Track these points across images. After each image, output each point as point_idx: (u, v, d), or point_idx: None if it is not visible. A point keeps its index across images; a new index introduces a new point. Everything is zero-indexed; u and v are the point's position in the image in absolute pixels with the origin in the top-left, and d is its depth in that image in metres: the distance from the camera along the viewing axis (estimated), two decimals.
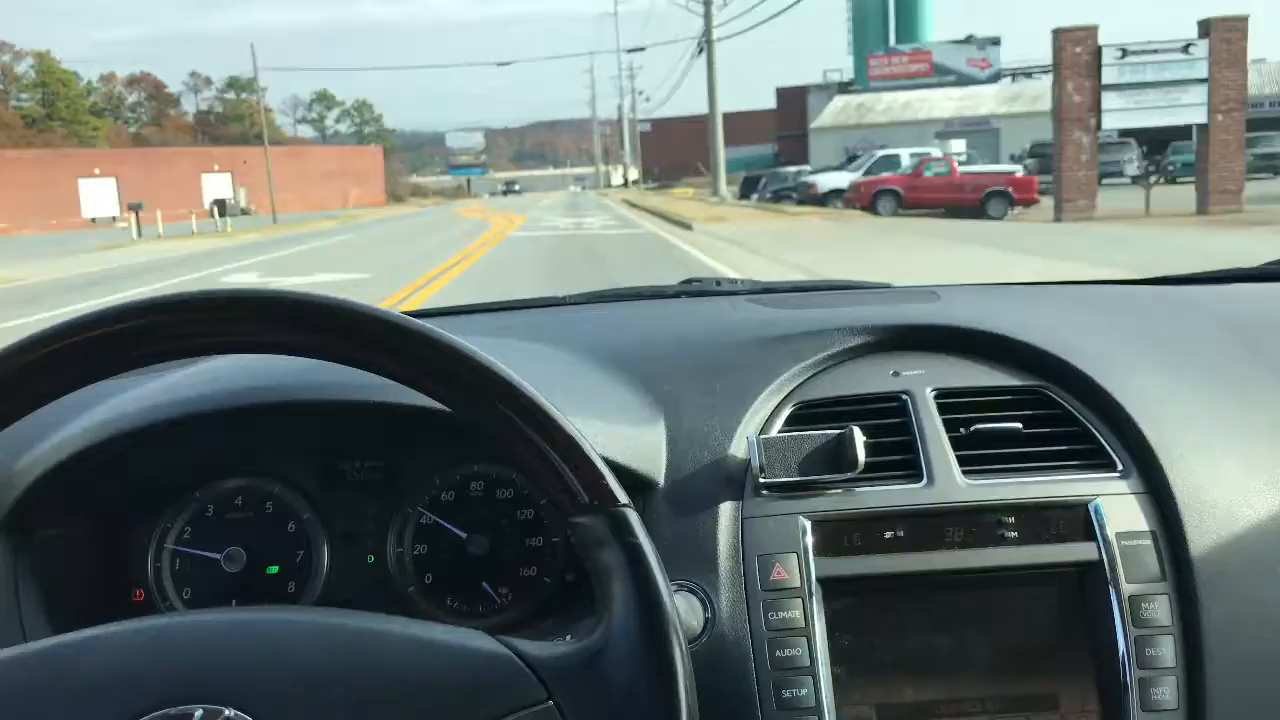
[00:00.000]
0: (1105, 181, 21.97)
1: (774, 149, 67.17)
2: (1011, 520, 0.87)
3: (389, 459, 1.01)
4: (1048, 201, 19.30)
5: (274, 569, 0.99)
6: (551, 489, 0.65)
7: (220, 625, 0.65)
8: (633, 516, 0.64)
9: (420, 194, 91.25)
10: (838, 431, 0.88)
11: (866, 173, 25.92)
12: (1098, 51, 17.45)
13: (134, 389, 0.98)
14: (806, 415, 0.95)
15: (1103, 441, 0.92)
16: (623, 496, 0.65)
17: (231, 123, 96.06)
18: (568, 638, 0.66)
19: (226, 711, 0.59)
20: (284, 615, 0.67)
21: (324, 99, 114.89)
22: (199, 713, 0.59)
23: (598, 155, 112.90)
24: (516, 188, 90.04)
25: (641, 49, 70.24)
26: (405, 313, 0.67)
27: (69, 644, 0.63)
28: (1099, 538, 0.85)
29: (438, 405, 0.65)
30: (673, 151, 78.55)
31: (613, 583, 0.63)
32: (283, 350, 0.64)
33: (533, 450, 0.64)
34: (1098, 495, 0.87)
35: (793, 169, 36.60)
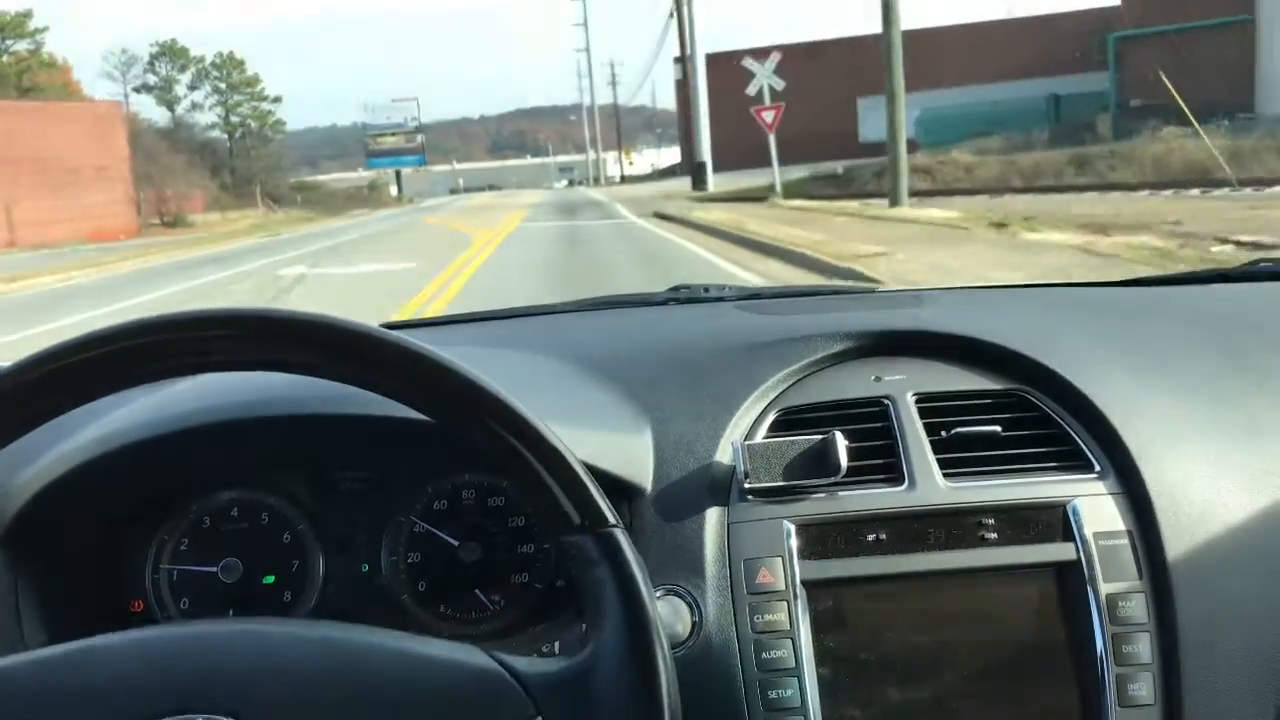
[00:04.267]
0: None
1: (1113, 78, 26.08)
2: (991, 521, 0.88)
3: (381, 469, 1.02)
4: None
5: (270, 579, 1.01)
6: (543, 507, 0.67)
7: (221, 635, 0.66)
8: (622, 537, 0.66)
9: (245, 203, 50.55)
10: (821, 436, 0.90)
11: None
12: None
13: (128, 405, 0.99)
14: (790, 421, 0.97)
15: (1080, 443, 0.93)
16: (613, 517, 0.66)
17: None
18: (555, 645, 0.67)
19: None
20: (284, 627, 0.68)
21: (171, 53, 72.81)
22: None
23: (594, 133, 73.01)
24: None
25: None
26: (390, 324, 0.68)
27: (71, 652, 0.64)
28: (1077, 538, 0.87)
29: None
30: (740, 118, 36.39)
31: (602, 602, 0.65)
32: (276, 368, 0.65)
33: (525, 468, 0.66)
34: (1075, 496, 0.89)
35: None
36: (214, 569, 0.99)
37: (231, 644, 0.65)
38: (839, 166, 25.06)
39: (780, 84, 19.73)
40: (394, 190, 72.11)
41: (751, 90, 19.87)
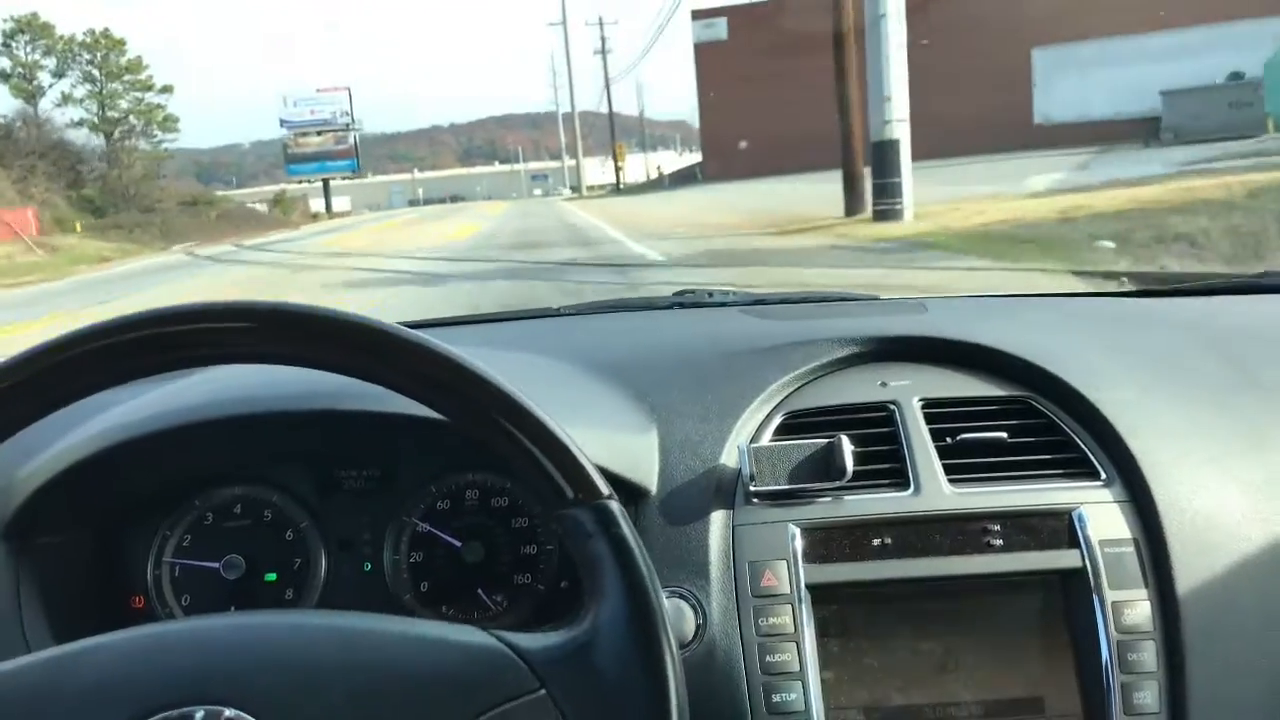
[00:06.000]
0: None
1: None
2: (997, 528, 0.89)
3: (386, 468, 1.03)
4: None
5: (272, 576, 1.01)
6: (538, 485, 0.67)
7: (218, 629, 0.66)
8: (617, 509, 0.66)
9: (105, 224, 36.08)
10: (827, 440, 0.91)
11: None
12: None
13: (133, 399, 0.99)
14: (796, 425, 0.98)
15: (1086, 451, 0.94)
16: (606, 489, 0.66)
17: None
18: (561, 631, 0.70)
19: (226, 712, 0.60)
20: (281, 617, 0.68)
21: (32, 29, 56.34)
22: (200, 714, 0.60)
23: (573, 127, 57.34)
24: None
25: None
26: (399, 324, 0.68)
27: (69, 653, 0.64)
28: (1082, 545, 0.87)
29: (433, 414, 0.67)
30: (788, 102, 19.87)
31: (600, 573, 0.65)
32: (281, 360, 0.65)
33: (518, 447, 0.66)
34: (1081, 503, 0.90)
35: None
36: (216, 565, 0.99)
37: (228, 636, 0.64)
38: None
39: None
40: (318, 205, 56.36)
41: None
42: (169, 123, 55.41)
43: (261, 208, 52.63)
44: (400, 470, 1.01)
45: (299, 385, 0.91)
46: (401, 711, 0.61)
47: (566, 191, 66.32)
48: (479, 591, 0.99)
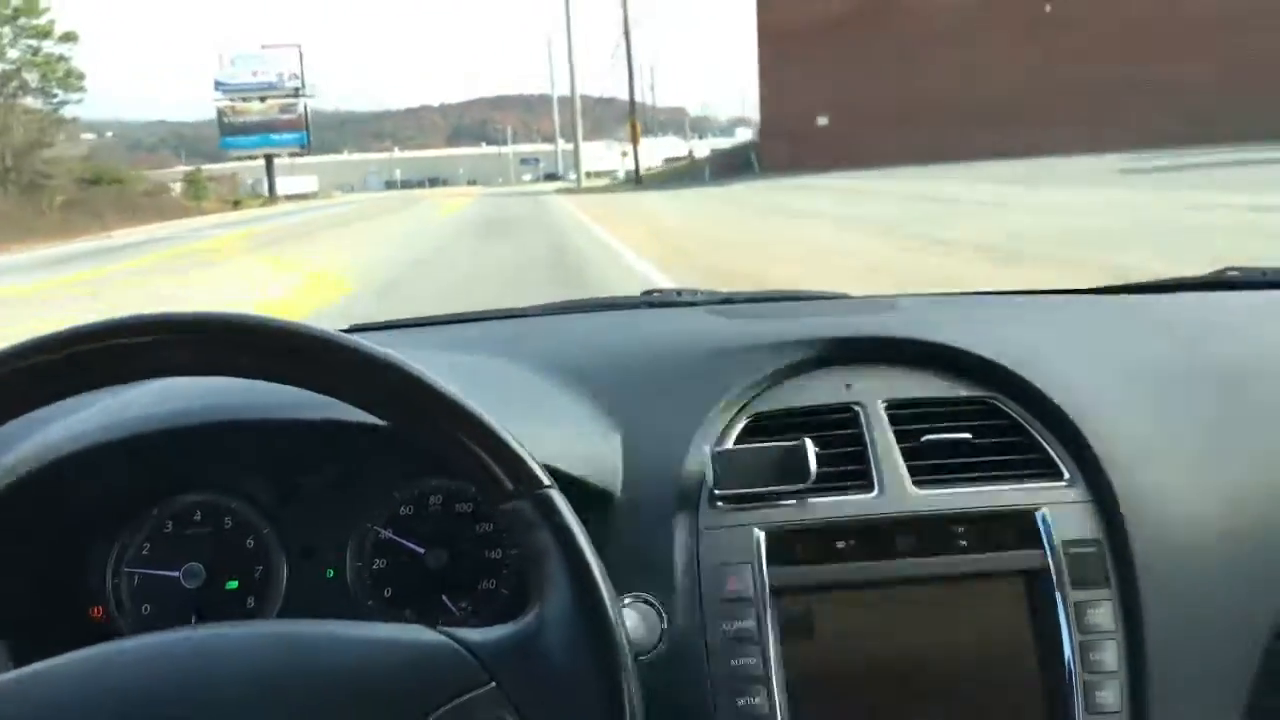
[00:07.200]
0: None
1: None
2: (961, 529, 0.89)
3: (346, 473, 1.02)
4: None
5: (233, 584, 1.01)
6: (480, 480, 0.67)
7: (167, 644, 0.66)
8: (557, 498, 0.66)
9: None
10: (791, 443, 0.91)
11: None
12: None
13: (86, 408, 0.98)
14: (761, 427, 0.99)
15: (1050, 451, 0.95)
16: (546, 479, 0.67)
17: None
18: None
19: None
20: (230, 629, 0.69)
21: None
22: None
23: (574, 105, 46.43)
24: None
25: None
26: (354, 327, 0.67)
27: (16, 679, 0.64)
28: (1046, 545, 0.88)
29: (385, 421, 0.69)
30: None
31: (544, 563, 0.65)
32: (192, 372, 0.65)
33: (455, 444, 0.66)
34: (1045, 504, 0.90)
35: None
36: (175, 574, 0.99)
37: (176, 652, 0.65)
38: None
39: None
40: (258, 186, 45.60)
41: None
42: (71, 79, 44.31)
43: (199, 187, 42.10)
44: (362, 476, 1.01)
45: (245, 395, 0.89)
46: (356, 714, 0.61)
47: (570, 177, 54.80)
48: (443, 597, 0.99)
